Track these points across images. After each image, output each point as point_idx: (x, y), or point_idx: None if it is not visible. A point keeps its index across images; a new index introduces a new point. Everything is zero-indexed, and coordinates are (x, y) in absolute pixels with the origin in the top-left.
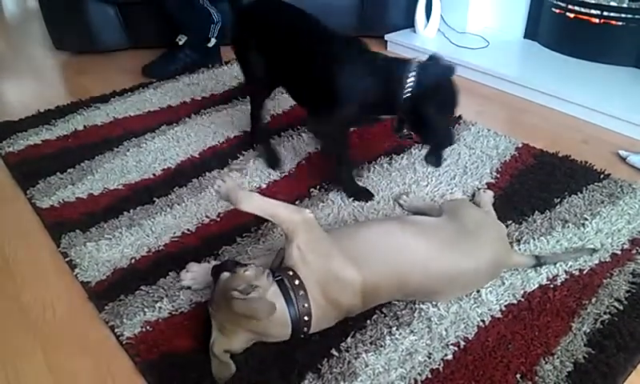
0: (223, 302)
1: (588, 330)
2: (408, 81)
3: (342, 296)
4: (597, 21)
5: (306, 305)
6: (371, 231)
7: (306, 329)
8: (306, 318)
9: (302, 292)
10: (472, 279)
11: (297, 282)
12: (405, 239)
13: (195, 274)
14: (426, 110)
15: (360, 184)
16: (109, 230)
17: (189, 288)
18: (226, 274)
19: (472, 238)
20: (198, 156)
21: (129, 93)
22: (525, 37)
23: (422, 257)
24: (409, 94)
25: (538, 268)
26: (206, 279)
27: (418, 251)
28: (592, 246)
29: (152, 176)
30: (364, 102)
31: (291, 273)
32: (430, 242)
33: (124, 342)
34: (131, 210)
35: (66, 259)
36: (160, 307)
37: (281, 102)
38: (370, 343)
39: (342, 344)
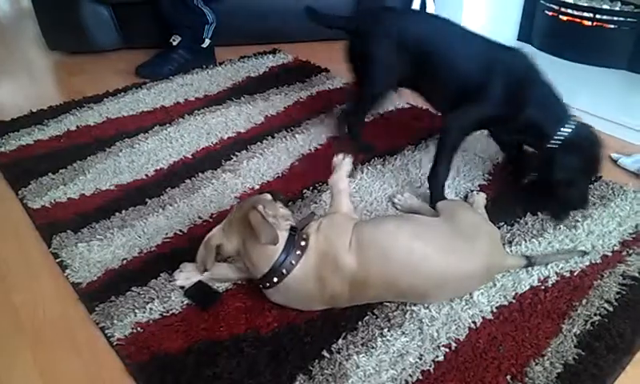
0: (247, 207)
1: (578, 332)
2: (563, 130)
3: (331, 277)
4: (589, 23)
5: (293, 262)
6: (368, 227)
7: (276, 279)
8: (284, 271)
9: (298, 252)
10: (465, 283)
11: (302, 244)
12: (399, 239)
13: (189, 273)
14: (571, 168)
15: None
16: (100, 231)
17: (182, 288)
18: (268, 196)
19: (467, 242)
20: (190, 157)
21: (122, 93)
22: (518, 39)
23: (414, 259)
24: (556, 144)
25: (530, 269)
26: (200, 277)
27: (411, 252)
28: (583, 248)
29: (144, 177)
30: (506, 113)
31: (304, 235)
32: (425, 243)
33: (114, 344)
34: (123, 211)
35: (57, 260)
36: (151, 308)
37: (275, 102)
38: (362, 344)
39: (334, 345)
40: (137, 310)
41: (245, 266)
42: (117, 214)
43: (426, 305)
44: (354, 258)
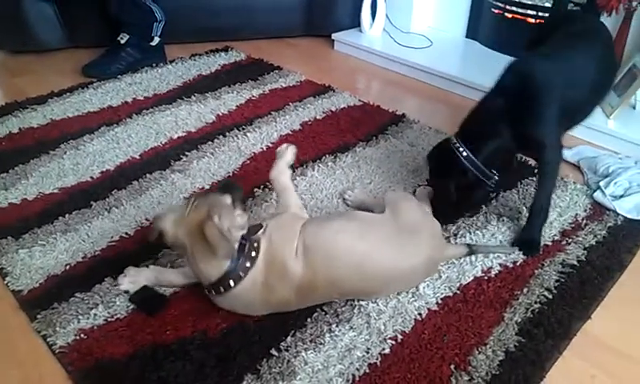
0: (203, 214)
1: (519, 320)
2: None
3: (278, 285)
4: (533, 21)
5: (242, 274)
6: (314, 227)
7: (222, 289)
8: (231, 283)
9: (248, 263)
10: (410, 278)
11: (252, 254)
12: (343, 240)
13: (133, 277)
14: None
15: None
16: (42, 236)
17: (127, 292)
18: (227, 199)
19: (410, 238)
20: (138, 157)
21: (68, 93)
22: (466, 36)
23: (358, 260)
24: None
25: (474, 261)
26: (145, 282)
27: (354, 253)
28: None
29: (90, 179)
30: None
31: (255, 244)
32: (369, 243)
33: (56, 351)
34: (67, 215)
35: None
36: (95, 314)
37: (227, 101)
38: (310, 341)
39: (282, 343)
40: (80, 317)
41: (190, 269)
42: (60, 218)
43: (373, 299)
44: (300, 263)
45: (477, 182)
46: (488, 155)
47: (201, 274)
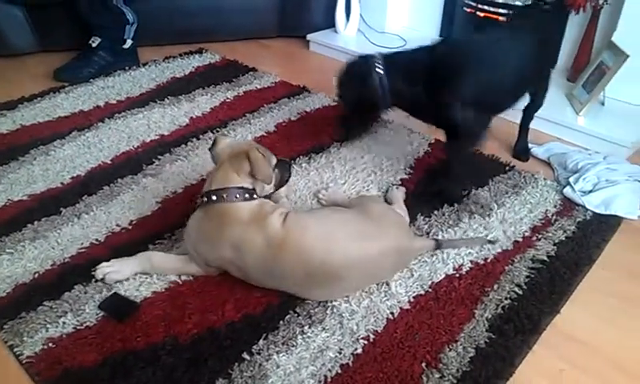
0: (246, 146)
1: (490, 316)
2: None
3: (256, 232)
4: (504, 19)
5: (237, 196)
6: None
7: (215, 198)
8: (224, 195)
9: (247, 195)
10: (377, 263)
11: (255, 196)
12: (317, 215)
13: (118, 266)
14: None
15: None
16: (10, 244)
17: (103, 281)
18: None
19: (377, 224)
20: (110, 162)
21: (38, 98)
22: (440, 35)
23: (327, 230)
24: None
25: (445, 259)
26: (129, 271)
27: (326, 224)
28: (490, 237)
29: (60, 185)
30: None
31: (255, 196)
32: (339, 222)
33: (23, 362)
34: (35, 222)
35: None
36: (64, 322)
37: (200, 103)
38: (282, 344)
39: (254, 347)
40: (49, 325)
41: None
42: (29, 225)
43: (346, 299)
44: (279, 223)
45: (376, 104)
46: (397, 90)
47: (213, 179)
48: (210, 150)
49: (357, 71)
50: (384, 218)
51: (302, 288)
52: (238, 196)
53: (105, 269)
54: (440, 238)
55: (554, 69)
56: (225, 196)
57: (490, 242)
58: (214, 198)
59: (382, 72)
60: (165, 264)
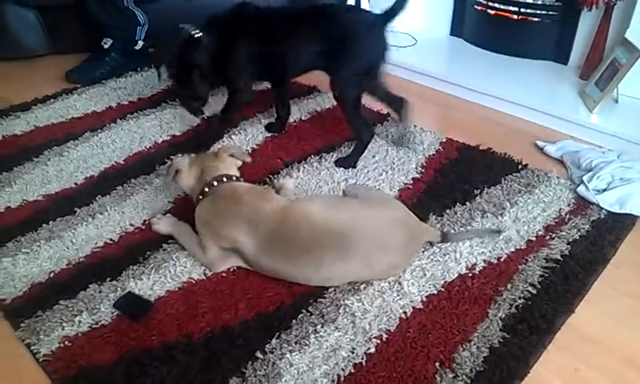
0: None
1: (503, 316)
2: None
3: (259, 201)
4: (515, 17)
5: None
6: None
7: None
8: (214, 183)
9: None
10: (386, 232)
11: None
12: (322, 197)
13: (162, 222)
14: None
15: None
16: (26, 244)
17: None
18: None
19: (382, 202)
20: (122, 162)
21: (51, 100)
22: (451, 34)
23: (333, 203)
24: None
25: (458, 258)
26: (165, 230)
27: (332, 198)
28: (496, 228)
29: (73, 185)
30: None
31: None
32: (344, 200)
33: (40, 360)
34: (51, 222)
35: None
36: (80, 321)
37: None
38: (295, 343)
39: (267, 346)
40: (65, 324)
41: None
42: (44, 225)
43: (358, 298)
44: (283, 199)
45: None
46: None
47: (209, 172)
48: (174, 177)
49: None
50: (388, 198)
51: (309, 261)
52: (237, 178)
53: (154, 219)
54: (447, 231)
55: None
56: (234, 178)
57: (496, 231)
58: (225, 180)
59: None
60: (187, 238)
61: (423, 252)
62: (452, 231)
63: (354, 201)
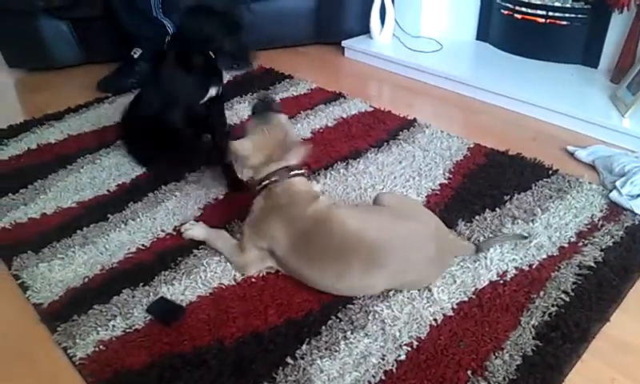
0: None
1: (536, 323)
2: None
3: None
4: (543, 21)
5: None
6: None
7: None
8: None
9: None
10: (416, 245)
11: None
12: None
13: (196, 227)
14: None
15: None
16: (61, 250)
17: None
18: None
19: (414, 212)
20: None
21: (84, 108)
22: (477, 38)
23: (370, 210)
24: None
25: (489, 265)
26: (199, 235)
27: (369, 206)
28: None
29: (106, 192)
30: None
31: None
32: (376, 212)
33: (77, 363)
34: (84, 228)
35: (18, 282)
36: (114, 325)
37: (239, 111)
38: (325, 349)
39: (297, 351)
40: (99, 328)
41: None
42: (78, 231)
43: (388, 305)
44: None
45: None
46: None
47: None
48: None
49: None
50: (420, 210)
51: (335, 267)
52: (297, 169)
53: (186, 225)
54: (477, 242)
55: None
56: (295, 171)
57: (524, 237)
58: (285, 175)
59: None
60: (222, 241)
61: (453, 258)
62: (481, 239)
63: (385, 211)
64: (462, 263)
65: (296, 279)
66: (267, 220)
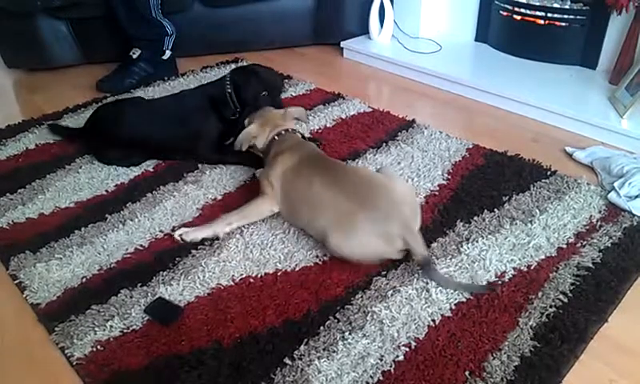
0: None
1: (534, 324)
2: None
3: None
4: (542, 22)
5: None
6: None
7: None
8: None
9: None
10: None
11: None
12: None
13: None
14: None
15: None
16: (59, 250)
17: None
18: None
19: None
20: (152, 170)
21: (82, 109)
22: (476, 40)
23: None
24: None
25: (487, 266)
26: (201, 236)
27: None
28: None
29: (105, 192)
30: None
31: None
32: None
33: (74, 363)
34: (82, 228)
35: (16, 282)
36: (111, 326)
37: None
38: (323, 349)
39: (295, 352)
40: (97, 328)
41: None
42: (76, 231)
43: (386, 305)
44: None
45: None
46: None
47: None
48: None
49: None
50: (407, 196)
51: (346, 194)
52: (295, 131)
53: (182, 229)
54: (439, 269)
55: None
56: (294, 131)
57: (487, 287)
58: (285, 132)
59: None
60: (235, 213)
61: (451, 259)
62: (443, 271)
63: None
64: (459, 264)
65: (294, 280)
66: (275, 161)
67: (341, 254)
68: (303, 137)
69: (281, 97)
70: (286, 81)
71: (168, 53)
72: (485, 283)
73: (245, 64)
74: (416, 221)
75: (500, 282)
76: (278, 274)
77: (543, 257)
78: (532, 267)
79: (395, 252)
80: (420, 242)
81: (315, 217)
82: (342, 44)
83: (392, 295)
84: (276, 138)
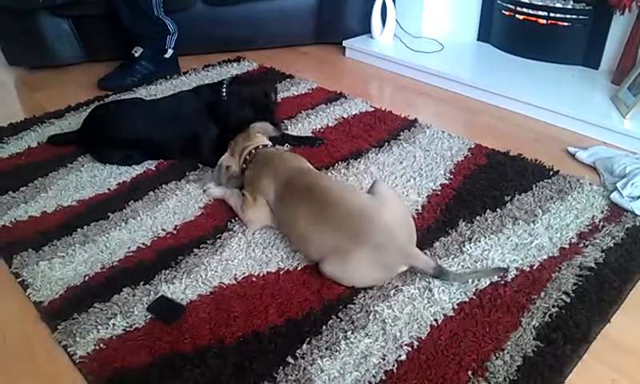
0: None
1: (537, 324)
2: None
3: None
4: (544, 22)
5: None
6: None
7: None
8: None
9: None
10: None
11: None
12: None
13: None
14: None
15: None
16: (62, 248)
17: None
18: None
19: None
20: (154, 169)
21: (84, 107)
22: (478, 39)
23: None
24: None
25: (490, 265)
26: (218, 195)
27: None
28: (504, 265)
29: (107, 191)
30: None
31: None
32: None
33: (77, 361)
34: (85, 227)
35: (18, 280)
36: (114, 324)
37: None
38: (326, 348)
39: (298, 351)
40: (100, 327)
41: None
42: (79, 229)
43: (388, 305)
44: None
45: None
46: None
47: (251, 142)
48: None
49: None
50: (397, 204)
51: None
52: (265, 146)
53: (208, 184)
54: (448, 268)
55: None
56: (262, 146)
57: (504, 269)
58: (255, 150)
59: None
60: (236, 197)
61: (453, 258)
62: (453, 270)
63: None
64: (462, 263)
65: (296, 279)
66: (261, 177)
67: (339, 282)
68: (273, 145)
69: (274, 111)
70: (288, 80)
71: (170, 51)
72: (497, 267)
73: (245, 63)
74: (412, 240)
75: (503, 282)
76: (281, 272)
77: (546, 257)
78: (534, 267)
79: (396, 273)
80: (422, 258)
81: (306, 249)
82: (344, 43)
83: (394, 294)
84: (247, 157)
